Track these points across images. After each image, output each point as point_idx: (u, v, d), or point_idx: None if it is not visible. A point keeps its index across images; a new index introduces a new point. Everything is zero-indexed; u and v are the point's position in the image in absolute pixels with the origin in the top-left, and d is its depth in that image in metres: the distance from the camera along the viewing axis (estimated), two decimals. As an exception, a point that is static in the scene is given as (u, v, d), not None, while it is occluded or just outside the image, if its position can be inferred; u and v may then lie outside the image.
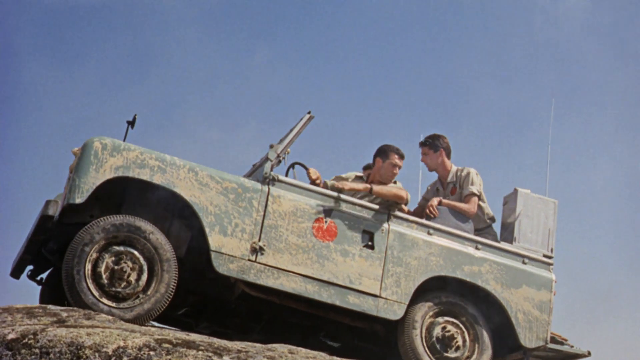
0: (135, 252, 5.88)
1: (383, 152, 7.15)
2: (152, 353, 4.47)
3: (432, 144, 7.45)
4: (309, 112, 6.76)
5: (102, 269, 5.76)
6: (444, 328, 6.62)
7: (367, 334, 6.84)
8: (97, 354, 4.40)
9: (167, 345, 4.60)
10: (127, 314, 5.70)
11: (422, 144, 7.49)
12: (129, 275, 5.79)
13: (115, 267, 5.78)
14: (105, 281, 5.74)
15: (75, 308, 5.50)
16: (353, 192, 6.77)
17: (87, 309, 5.53)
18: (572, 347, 7.16)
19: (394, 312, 6.47)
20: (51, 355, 4.41)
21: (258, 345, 5.07)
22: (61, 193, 6.19)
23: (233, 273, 6.10)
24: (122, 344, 4.51)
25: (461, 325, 6.72)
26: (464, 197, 7.23)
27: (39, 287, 6.72)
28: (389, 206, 6.74)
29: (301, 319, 6.73)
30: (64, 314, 5.20)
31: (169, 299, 5.90)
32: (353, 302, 6.38)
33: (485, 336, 6.76)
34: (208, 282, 6.42)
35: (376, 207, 6.69)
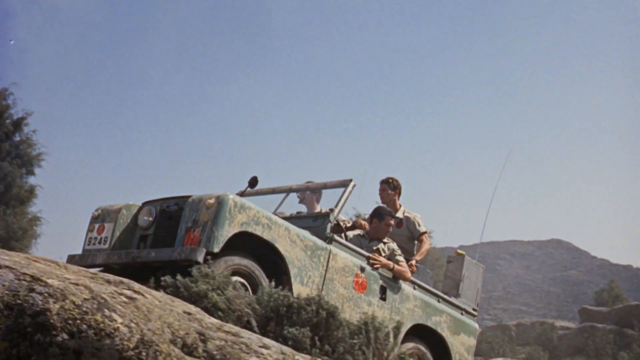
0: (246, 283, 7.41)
1: (379, 214, 8.77)
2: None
3: (391, 184, 9.39)
4: (351, 180, 8.45)
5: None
6: None
7: None
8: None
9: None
10: None
11: (384, 182, 9.40)
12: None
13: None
14: None
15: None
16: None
17: None
18: None
19: None
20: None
21: None
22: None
23: None
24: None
25: None
26: (418, 236, 9.32)
27: None
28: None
29: None
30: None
31: None
32: None
33: None
34: None
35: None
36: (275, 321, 7.19)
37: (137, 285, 5.72)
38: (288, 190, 9.19)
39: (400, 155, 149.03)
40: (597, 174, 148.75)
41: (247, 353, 5.87)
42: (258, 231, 7.30)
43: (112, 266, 7.51)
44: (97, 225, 7.90)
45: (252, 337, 6.19)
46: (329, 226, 8.02)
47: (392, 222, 8.81)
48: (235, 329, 6.24)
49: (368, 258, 8.42)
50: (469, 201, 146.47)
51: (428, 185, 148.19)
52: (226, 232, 7.10)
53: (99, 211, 7.99)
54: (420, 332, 8.80)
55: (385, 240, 8.80)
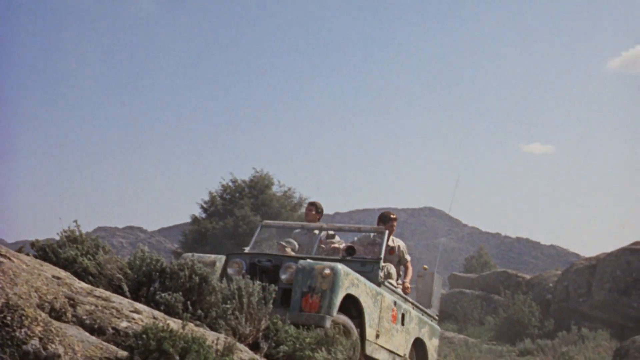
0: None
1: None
2: None
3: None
4: (384, 229, 10.10)
5: None
6: None
7: None
8: None
9: None
10: None
11: (394, 219, 10.75)
12: None
13: None
14: None
15: None
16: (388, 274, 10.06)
17: None
18: None
19: None
20: None
21: None
22: None
23: (369, 352, 8.86)
24: None
25: None
26: (405, 262, 10.79)
27: None
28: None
29: None
30: None
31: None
32: None
33: None
34: None
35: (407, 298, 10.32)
36: (147, 286, 7.15)
37: (4, 249, 5.59)
38: (319, 228, 10.32)
39: (279, 121, 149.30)
40: (469, 144, 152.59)
41: (118, 318, 5.82)
42: (354, 292, 8.61)
43: None
44: None
45: (123, 302, 6.14)
46: (380, 273, 9.44)
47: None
48: (106, 293, 6.17)
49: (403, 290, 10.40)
50: (345, 169, 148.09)
51: (306, 152, 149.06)
52: (339, 297, 8.34)
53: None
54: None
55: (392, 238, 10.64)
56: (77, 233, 7.48)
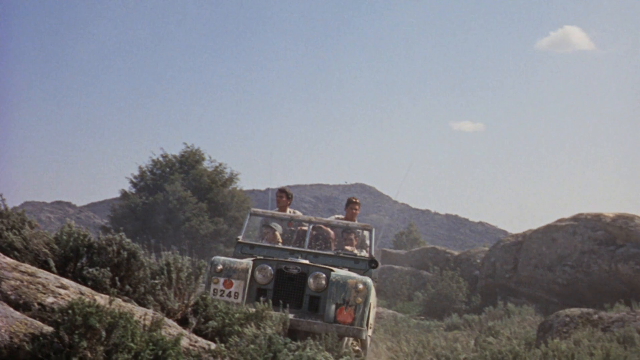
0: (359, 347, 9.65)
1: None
2: None
3: (359, 204, 11.55)
4: (371, 227, 10.82)
5: None
6: None
7: None
8: None
9: None
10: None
11: (357, 203, 11.46)
12: None
13: None
14: None
15: None
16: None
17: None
18: None
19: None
20: None
21: None
22: None
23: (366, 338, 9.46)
24: None
25: None
26: (367, 248, 11.09)
27: None
28: None
29: None
30: None
31: None
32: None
33: None
34: None
35: None
36: (74, 261, 7.07)
37: None
38: (308, 222, 10.75)
39: (211, 96, 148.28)
40: (400, 122, 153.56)
41: (44, 293, 5.75)
42: (374, 302, 9.60)
43: None
44: (222, 279, 9.06)
45: (49, 277, 6.07)
46: (372, 272, 10.16)
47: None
48: (32, 268, 6.10)
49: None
50: (278, 145, 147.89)
51: (237, 128, 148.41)
52: (370, 310, 9.27)
53: (221, 266, 9.14)
54: None
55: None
56: (2, 207, 7.36)
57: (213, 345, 6.44)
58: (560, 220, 24.24)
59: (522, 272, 24.32)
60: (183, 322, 7.13)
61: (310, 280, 9.26)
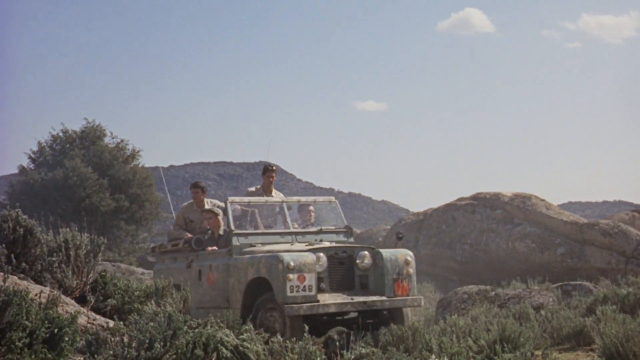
0: None
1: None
2: None
3: (276, 171, 11.99)
4: (334, 198, 11.77)
5: None
6: None
7: None
8: None
9: None
10: None
11: (274, 170, 11.87)
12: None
13: None
14: None
15: None
16: None
17: None
18: None
19: None
20: None
21: None
22: None
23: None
24: None
25: None
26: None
27: None
28: None
29: None
30: None
31: None
32: None
33: None
34: None
35: None
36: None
37: None
38: (280, 204, 11.18)
39: (113, 70, 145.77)
40: (304, 101, 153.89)
41: None
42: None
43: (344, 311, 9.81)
44: (296, 275, 9.32)
45: (-60, 255, 5.89)
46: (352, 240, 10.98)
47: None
48: None
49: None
50: (181, 121, 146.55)
51: (140, 103, 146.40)
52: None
53: (293, 262, 9.36)
54: None
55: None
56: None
57: (112, 323, 6.37)
58: (460, 200, 24.63)
59: (423, 250, 24.63)
60: (82, 300, 7.03)
61: (358, 261, 9.92)
